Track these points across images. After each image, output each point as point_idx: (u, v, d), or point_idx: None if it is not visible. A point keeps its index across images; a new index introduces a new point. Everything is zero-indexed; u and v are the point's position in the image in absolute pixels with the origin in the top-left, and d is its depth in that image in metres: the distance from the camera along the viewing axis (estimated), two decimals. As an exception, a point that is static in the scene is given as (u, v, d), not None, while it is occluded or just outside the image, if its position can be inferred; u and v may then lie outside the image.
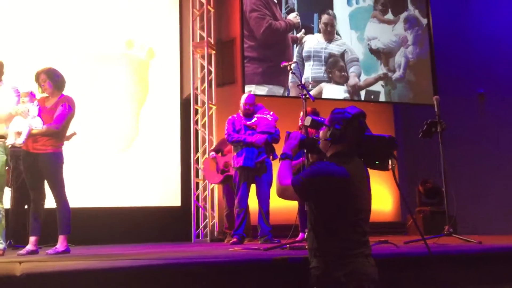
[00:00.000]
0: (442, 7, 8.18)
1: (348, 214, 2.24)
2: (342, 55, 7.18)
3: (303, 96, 4.07)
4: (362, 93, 7.21)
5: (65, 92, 4.09)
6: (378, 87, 7.33)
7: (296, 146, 2.42)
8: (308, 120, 2.44)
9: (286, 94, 6.81)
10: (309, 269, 2.33)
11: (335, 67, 7.11)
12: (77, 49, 6.73)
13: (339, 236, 2.23)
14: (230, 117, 5.21)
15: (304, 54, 7.00)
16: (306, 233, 4.14)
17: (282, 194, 2.35)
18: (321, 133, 2.40)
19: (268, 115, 5.13)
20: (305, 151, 2.50)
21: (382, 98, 7.34)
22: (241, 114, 5.17)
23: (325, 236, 2.27)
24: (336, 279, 2.19)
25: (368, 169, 2.39)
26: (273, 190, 5.18)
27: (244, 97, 5.22)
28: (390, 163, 2.35)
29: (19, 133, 3.79)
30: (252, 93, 5.72)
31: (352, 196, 2.24)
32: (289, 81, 6.71)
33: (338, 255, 2.22)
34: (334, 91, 7.05)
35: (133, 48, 7.05)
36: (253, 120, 5.09)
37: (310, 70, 6.99)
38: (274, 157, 5.26)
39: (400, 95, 7.47)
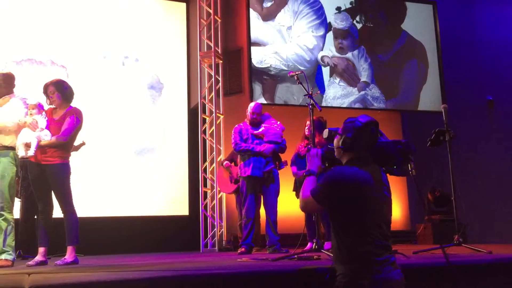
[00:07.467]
0: (450, 14, 8.16)
1: (367, 217, 2.23)
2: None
3: (310, 106, 4.08)
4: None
5: (73, 102, 4.12)
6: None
7: (319, 163, 2.49)
8: (325, 133, 2.50)
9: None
10: (336, 276, 2.32)
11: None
12: (85, 59, 6.80)
13: (362, 242, 2.22)
14: (236, 125, 5.19)
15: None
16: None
17: (304, 207, 2.39)
18: (335, 141, 2.46)
19: (275, 125, 5.12)
20: (326, 164, 2.55)
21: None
22: (248, 123, 5.16)
23: (348, 243, 2.27)
24: (362, 286, 2.17)
25: (388, 176, 2.41)
26: (283, 200, 5.22)
27: (251, 106, 5.20)
28: (410, 168, 2.39)
29: (27, 145, 3.79)
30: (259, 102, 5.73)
31: (369, 199, 2.24)
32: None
33: (363, 262, 2.21)
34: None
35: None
36: (260, 130, 5.07)
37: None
38: (281, 167, 5.24)
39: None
